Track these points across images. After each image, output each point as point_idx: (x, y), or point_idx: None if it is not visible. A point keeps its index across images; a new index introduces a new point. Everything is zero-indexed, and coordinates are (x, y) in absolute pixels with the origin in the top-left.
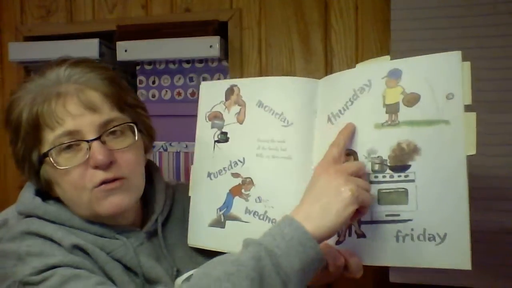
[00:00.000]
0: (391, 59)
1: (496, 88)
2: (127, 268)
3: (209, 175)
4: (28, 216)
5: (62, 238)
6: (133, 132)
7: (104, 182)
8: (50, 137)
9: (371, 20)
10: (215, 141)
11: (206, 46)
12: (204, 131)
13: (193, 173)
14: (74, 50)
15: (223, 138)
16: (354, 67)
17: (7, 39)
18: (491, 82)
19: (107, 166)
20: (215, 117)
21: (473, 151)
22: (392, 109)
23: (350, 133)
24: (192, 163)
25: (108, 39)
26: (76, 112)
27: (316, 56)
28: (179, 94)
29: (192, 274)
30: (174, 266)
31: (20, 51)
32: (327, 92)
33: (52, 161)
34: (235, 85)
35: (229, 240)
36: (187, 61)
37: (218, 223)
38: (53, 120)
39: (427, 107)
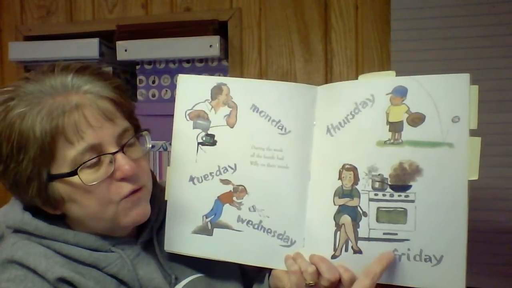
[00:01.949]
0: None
1: (494, 88)
2: (123, 283)
3: (191, 179)
4: (17, 230)
5: (47, 271)
6: (144, 140)
7: (130, 193)
8: (70, 154)
9: (371, 20)
10: (199, 143)
11: (206, 46)
12: (184, 130)
13: (171, 175)
14: (74, 50)
15: (209, 141)
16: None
17: (7, 39)
18: (490, 82)
19: (133, 177)
20: (198, 117)
21: (475, 176)
22: (395, 127)
23: (389, 265)
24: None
25: (108, 39)
26: (96, 123)
27: (316, 56)
28: None
29: (190, 281)
30: (172, 274)
31: (20, 51)
32: (327, 102)
33: (80, 179)
34: (224, 84)
35: (217, 248)
36: (187, 61)
37: (204, 230)
38: (75, 134)
39: (431, 129)
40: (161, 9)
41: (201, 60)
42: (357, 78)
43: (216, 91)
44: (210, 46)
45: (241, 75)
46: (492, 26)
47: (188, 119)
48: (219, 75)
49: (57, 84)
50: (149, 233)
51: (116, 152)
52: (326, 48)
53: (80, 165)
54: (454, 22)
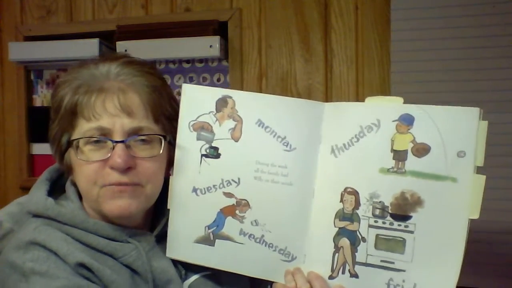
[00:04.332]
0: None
1: (494, 88)
2: (136, 273)
3: (194, 190)
4: (38, 215)
5: (67, 255)
6: (161, 145)
7: (116, 184)
8: (83, 127)
9: (371, 20)
10: (203, 155)
11: (206, 46)
12: (188, 141)
13: (174, 185)
14: (74, 50)
15: (213, 153)
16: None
17: (7, 39)
18: (489, 82)
19: (123, 170)
20: (202, 128)
21: (476, 215)
22: (399, 156)
23: None
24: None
25: (108, 39)
26: (112, 111)
27: (316, 56)
28: (179, 94)
29: (199, 277)
30: (183, 270)
31: (20, 51)
32: (333, 121)
33: (76, 150)
34: (230, 97)
35: (218, 258)
36: (187, 61)
37: (207, 241)
38: (90, 113)
39: (436, 161)
40: (161, 9)
41: (201, 60)
42: (357, 79)
43: (221, 103)
44: (210, 46)
45: (241, 75)
46: (492, 26)
47: (192, 130)
48: (219, 75)
49: (104, 69)
50: (163, 227)
51: (118, 142)
52: (326, 48)
53: (82, 137)
54: (454, 22)
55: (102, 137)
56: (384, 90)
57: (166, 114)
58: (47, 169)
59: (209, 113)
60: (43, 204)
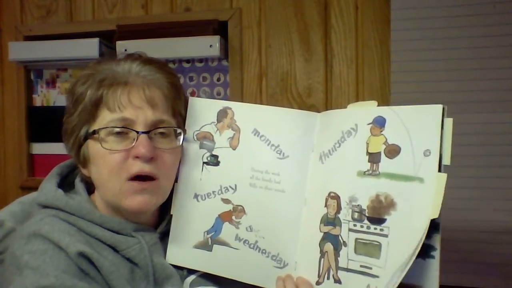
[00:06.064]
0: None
1: (494, 88)
2: (137, 267)
3: (195, 196)
4: (47, 206)
5: (69, 244)
6: (178, 138)
7: (139, 175)
8: (106, 118)
9: (371, 20)
10: (204, 163)
11: (206, 46)
12: (192, 150)
13: (178, 191)
14: (74, 50)
15: (213, 161)
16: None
17: (7, 39)
18: (490, 82)
19: (147, 160)
20: (205, 138)
21: (435, 215)
22: (374, 158)
23: None
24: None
25: (108, 39)
26: (137, 103)
27: (316, 56)
28: None
29: (199, 276)
30: (184, 268)
31: (20, 51)
32: (322, 129)
33: (99, 140)
34: (229, 108)
35: (215, 263)
36: (187, 61)
37: (205, 246)
38: (115, 105)
39: (405, 162)
40: (161, 9)
41: (201, 60)
42: (357, 79)
43: (222, 114)
44: (210, 46)
45: (241, 75)
46: (493, 26)
47: (196, 139)
48: (219, 75)
49: (126, 66)
50: (167, 224)
51: (142, 132)
52: (326, 48)
53: (106, 127)
54: (454, 22)
55: (125, 128)
56: (384, 89)
57: (181, 113)
58: (58, 165)
59: (211, 123)
60: (52, 194)
